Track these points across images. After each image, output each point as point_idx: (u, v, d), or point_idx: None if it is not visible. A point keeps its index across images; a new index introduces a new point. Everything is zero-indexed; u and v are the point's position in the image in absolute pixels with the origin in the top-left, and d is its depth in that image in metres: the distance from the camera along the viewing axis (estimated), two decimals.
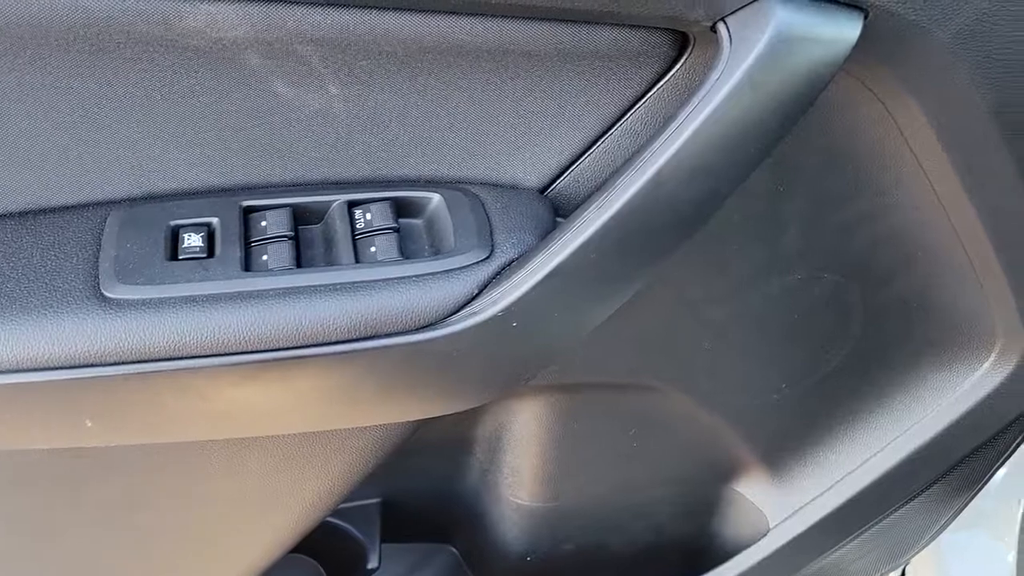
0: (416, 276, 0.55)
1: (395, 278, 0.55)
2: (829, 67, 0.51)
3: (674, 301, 0.71)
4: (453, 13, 0.52)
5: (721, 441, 0.85)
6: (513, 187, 0.62)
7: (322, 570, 0.98)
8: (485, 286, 0.56)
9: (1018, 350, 0.76)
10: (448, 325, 0.55)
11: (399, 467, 0.92)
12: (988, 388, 0.80)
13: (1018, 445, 0.94)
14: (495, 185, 0.62)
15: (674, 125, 0.52)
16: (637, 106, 0.60)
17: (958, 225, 0.67)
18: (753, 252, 0.69)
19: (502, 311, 0.55)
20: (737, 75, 0.50)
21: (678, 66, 0.58)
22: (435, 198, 0.60)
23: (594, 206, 0.54)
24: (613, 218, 0.53)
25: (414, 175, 0.61)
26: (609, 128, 0.60)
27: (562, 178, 0.62)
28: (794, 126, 0.53)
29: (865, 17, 0.52)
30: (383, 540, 0.97)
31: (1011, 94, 0.57)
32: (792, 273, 0.71)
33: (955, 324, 0.77)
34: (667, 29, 0.56)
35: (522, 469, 0.86)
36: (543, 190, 0.63)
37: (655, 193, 0.53)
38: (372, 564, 0.93)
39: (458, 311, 0.56)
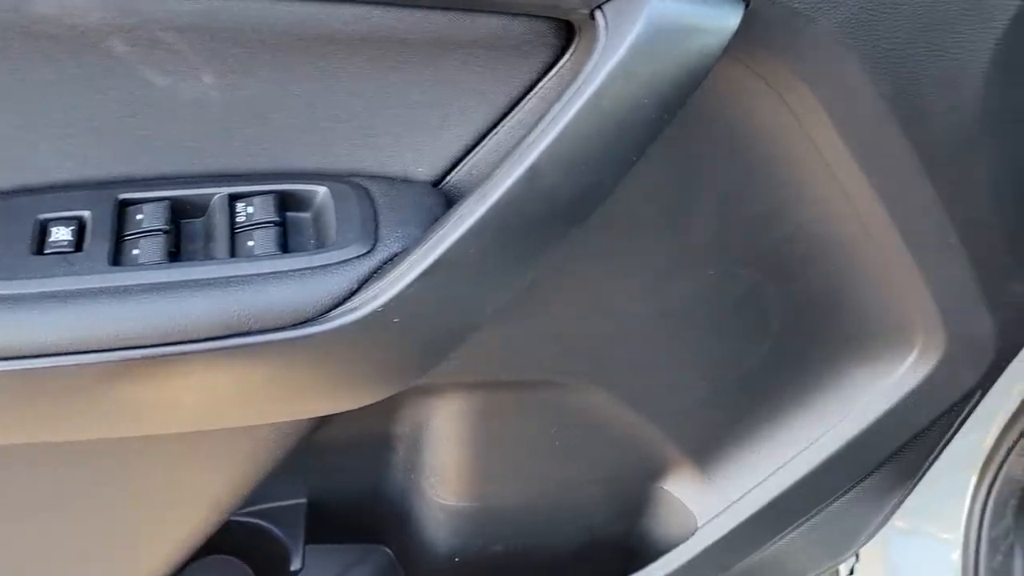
0: (293, 271, 0.54)
1: (271, 273, 0.54)
2: (708, 56, 0.50)
3: (587, 297, 0.70)
4: (318, 0, 0.51)
5: (646, 438, 0.84)
6: (405, 180, 0.60)
7: (250, 571, 0.96)
8: (366, 281, 0.55)
9: (939, 346, 0.76)
10: (326, 321, 0.54)
11: (322, 466, 0.91)
12: (912, 384, 0.79)
13: (949, 440, 0.94)
14: (386, 178, 0.60)
15: (550, 116, 0.51)
16: (529, 97, 0.58)
17: (866, 218, 0.66)
18: (664, 248, 0.68)
19: (382, 307, 0.54)
20: (611, 64, 0.49)
21: (567, 56, 0.56)
22: (321, 191, 0.58)
23: (472, 199, 0.53)
24: (491, 211, 0.52)
25: (303, 168, 0.60)
26: (500, 119, 0.59)
27: (455, 171, 0.61)
28: (674, 117, 0.52)
29: (746, 6, 0.50)
30: (312, 541, 0.95)
31: (905, 83, 0.56)
32: (705, 268, 0.70)
33: (874, 320, 0.76)
34: (550, 17, 0.54)
35: (444, 468, 0.85)
36: (437, 183, 0.61)
37: (532, 186, 0.51)
38: (295, 566, 0.92)
39: (337, 307, 0.54)
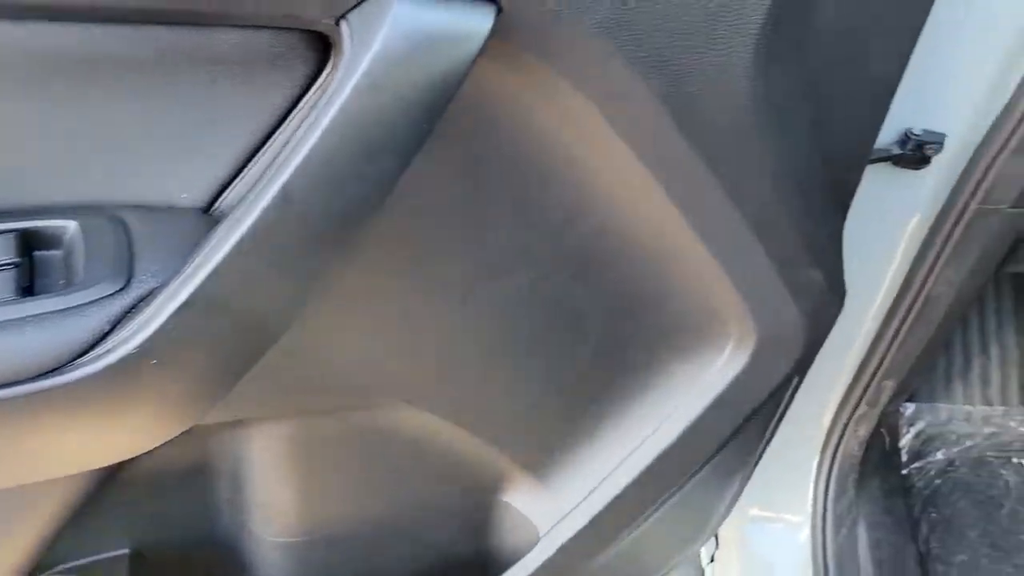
0: (33, 316, 0.49)
1: (6, 321, 0.49)
2: (461, 63, 0.48)
3: (392, 316, 0.67)
4: (23, 19, 0.46)
5: (478, 453, 0.82)
6: (169, 208, 0.56)
7: None
8: (119, 321, 0.50)
9: (752, 336, 0.77)
10: (74, 369, 0.49)
11: (142, 514, 0.85)
12: (732, 375, 0.80)
13: (778, 423, 0.96)
14: (147, 208, 0.56)
15: (299, 135, 0.48)
16: (295, 112, 0.55)
17: (660, 217, 0.65)
18: (465, 259, 0.66)
19: (137, 348, 0.50)
20: (356, 77, 0.46)
21: (328, 69, 0.54)
22: (71, 226, 0.53)
23: (225, 226, 0.49)
24: (247, 238, 0.49)
25: (52, 202, 0.55)
26: (268, 137, 0.56)
27: (226, 194, 0.57)
28: (434, 127, 0.50)
29: (499, 11, 0.49)
30: None
31: (673, 81, 0.55)
32: (510, 276, 0.69)
33: (687, 316, 0.76)
34: (301, 29, 0.51)
35: (268, 505, 0.81)
36: (207, 209, 0.57)
37: (286, 208, 0.48)
38: None
39: (87, 352, 0.50)
